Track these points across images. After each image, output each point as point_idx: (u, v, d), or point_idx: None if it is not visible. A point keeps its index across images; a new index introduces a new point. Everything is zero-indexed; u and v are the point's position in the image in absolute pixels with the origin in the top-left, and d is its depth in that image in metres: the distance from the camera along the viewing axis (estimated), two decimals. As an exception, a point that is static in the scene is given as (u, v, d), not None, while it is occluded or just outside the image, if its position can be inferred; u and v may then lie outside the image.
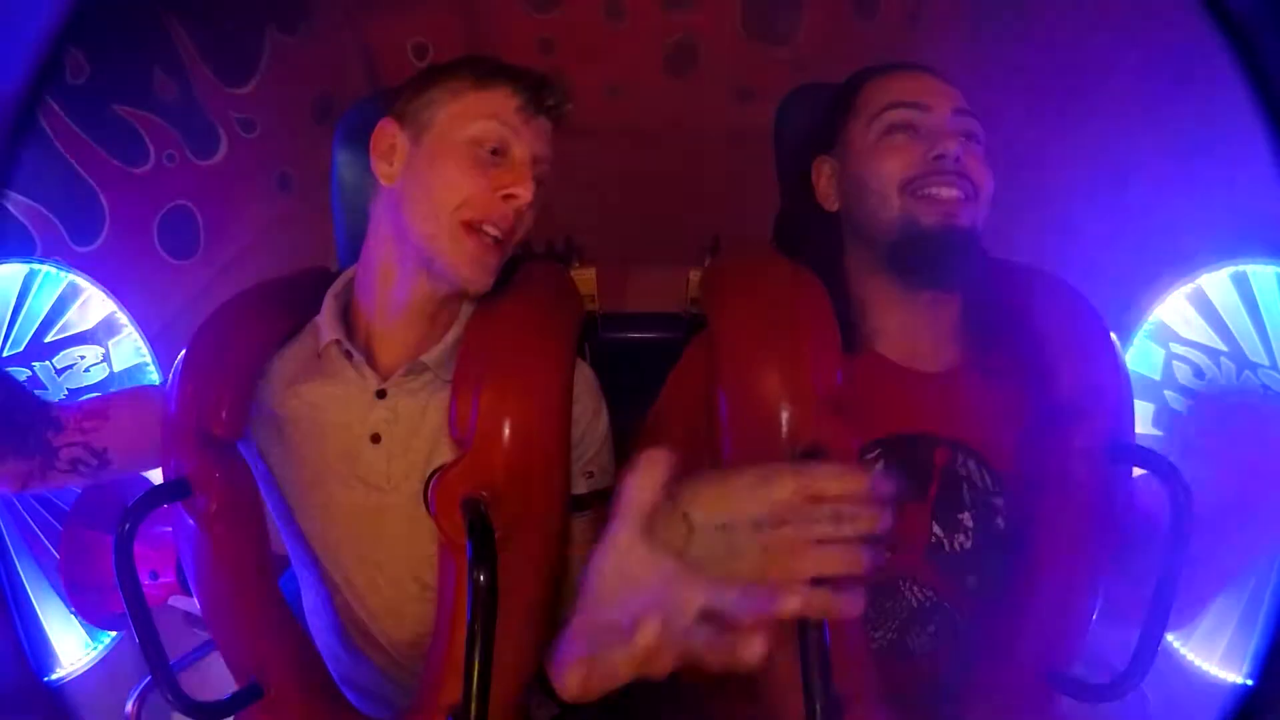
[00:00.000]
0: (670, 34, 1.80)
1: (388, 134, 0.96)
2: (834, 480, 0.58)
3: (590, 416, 0.97)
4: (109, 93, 1.47)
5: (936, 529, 0.93)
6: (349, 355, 0.96)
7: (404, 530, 0.94)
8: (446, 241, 0.92)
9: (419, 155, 0.95)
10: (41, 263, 1.39)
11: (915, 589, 0.93)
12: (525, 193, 0.92)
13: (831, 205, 1.03)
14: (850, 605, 0.56)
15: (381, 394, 0.95)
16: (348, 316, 1.00)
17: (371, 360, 0.97)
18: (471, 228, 0.92)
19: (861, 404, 0.91)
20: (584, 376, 0.99)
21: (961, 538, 0.94)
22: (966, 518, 0.94)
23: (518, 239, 0.97)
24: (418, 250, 0.94)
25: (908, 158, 0.94)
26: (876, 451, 0.94)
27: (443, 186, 0.93)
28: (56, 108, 1.38)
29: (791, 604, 0.55)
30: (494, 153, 0.93)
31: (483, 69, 0.96)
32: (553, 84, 0.98)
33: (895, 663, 0.93)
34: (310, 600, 1.03)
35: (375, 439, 0.95)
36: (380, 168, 0.96)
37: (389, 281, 0.96)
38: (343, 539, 0.97)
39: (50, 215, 1.40)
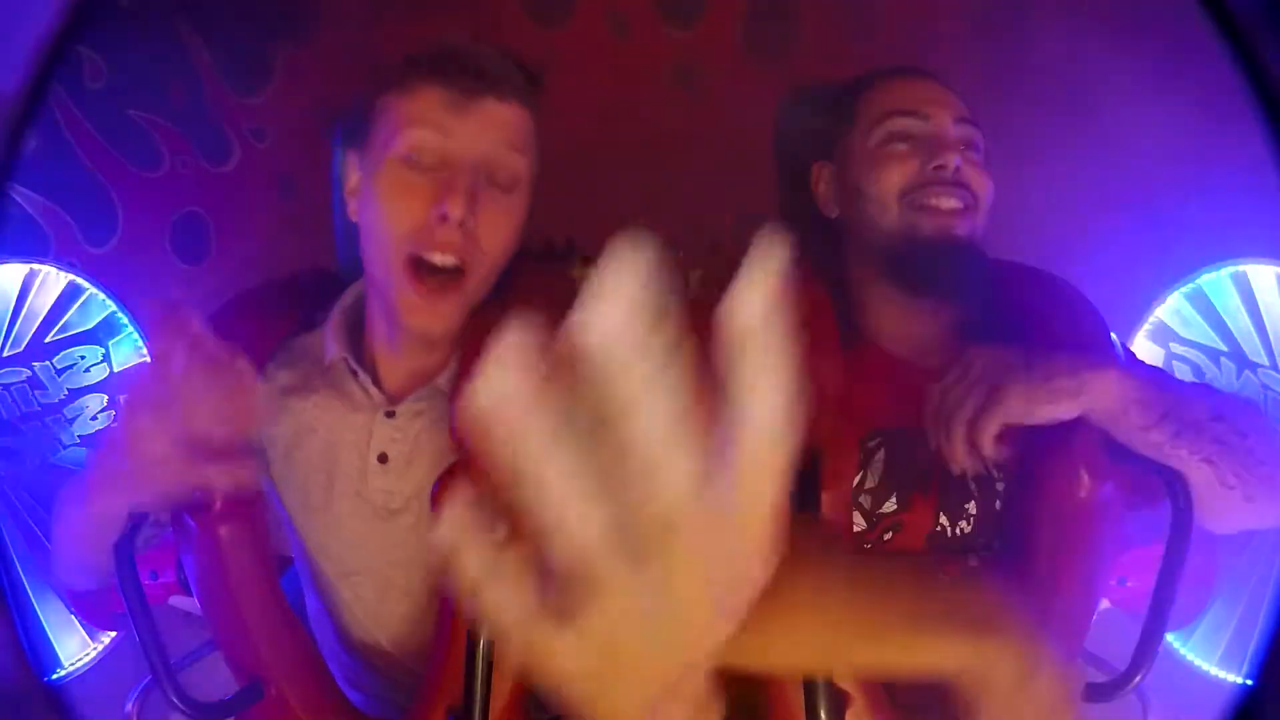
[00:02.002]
0: (673, 50, 1.82)
1: (351, 167, 0.89)
2: None
3: None
4: (125, 98, 1.49)
5: (943, 519, 0.94)
6: (354, 374, 0.93)
7: (417, 547, 0.92)
8: (393, 286, 0.82)
9: (364, 186, 0.86)
10: (43, 263, 1.39)
11: None
12: (456, 207, 0.78)
13: (831, 211, 1.03)
14: None
15: (390, 414, 0.93)
16: (355, 331, 0.97)
17: (378, 380, 0.94)
18: (416, 265, 0.81)
19: (862, 397, 0.92)
20: None
21: (964, 524, 0.94)
22: (971, 506, 0.94)
23: (493, 259, 0.84)
24: (381, 296, 0.87)
25: (907, 169, 0.94)
26: (878, 440, 0.94)
27: (380, 221, 0.82)
28: (75, 111, 1.39)
29: None
30: (422, 161, 0.81)
31: (413, 64, 0.84)
32: (490, 58, 0.83)
33: None
34: (314, 605, 1.03)
35: (383, 459, 0.93)
36: (349, 205, 0.90)
37: (376, 315, 0.93)
38: (352, 557, 0.96)
39: (66, 215, 1.41)
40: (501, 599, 0.30)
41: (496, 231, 0.83)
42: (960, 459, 0.84)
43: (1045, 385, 0.81)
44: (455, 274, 0.82)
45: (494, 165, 0.83)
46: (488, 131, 0.82)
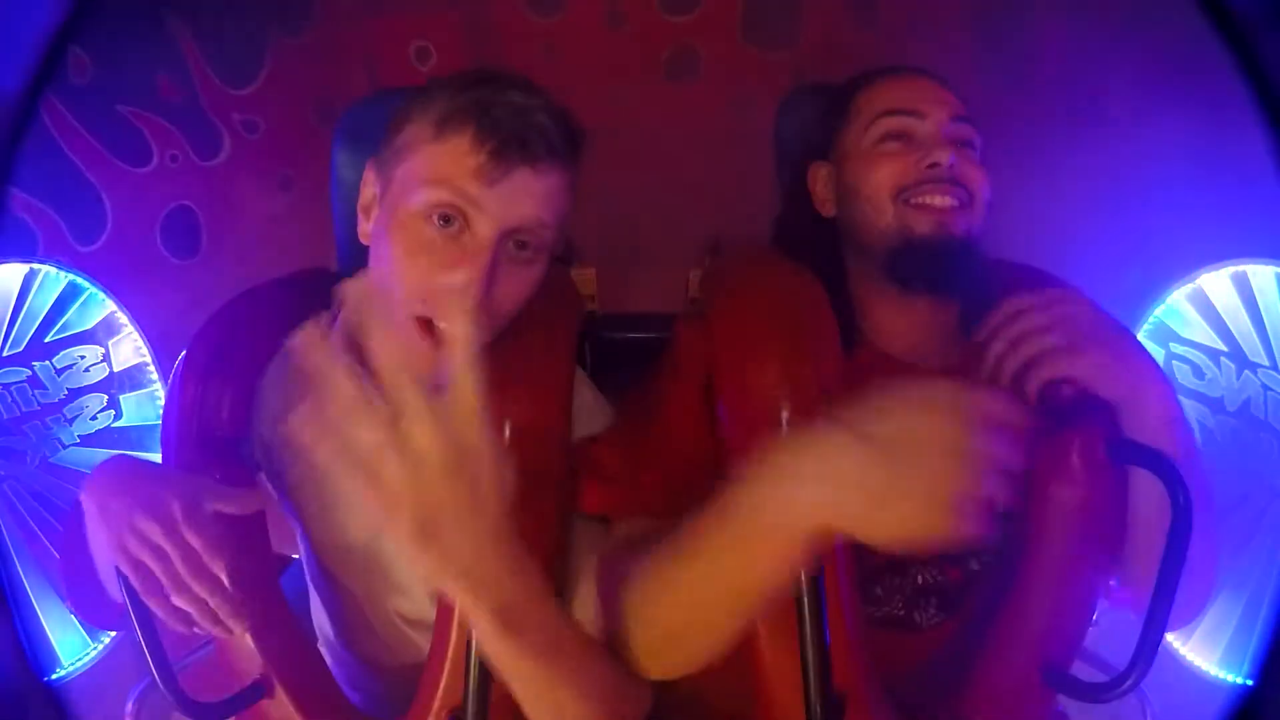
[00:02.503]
0: (671, 40, 1.81)
1: (368, 183, 0.86)
2: (998, 407, 0.59)
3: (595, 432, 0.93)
4: (113, 93, 1.48)
5: None
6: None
7: None
8: (400, 332, 0.79)
9: (379, 222, 0.82)
10: (42, 262, 1.39)
11: (921, 569, 0.94)
12: (474, 286, 0.75)
13: (828, 210, 1.03)
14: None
15: None
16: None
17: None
18: (424, 323, 0.78)
19: (862, 399, 0.91)
20: (589, 396, 0.94)
21: None
22: None
23: (504, 319, 0.81)
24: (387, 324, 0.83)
25: (900, 166, 0.94)
26: None
27: (390, 275, 0.79)
28: (61, 107, 1.39)
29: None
30: (446, 222, 0.76)
31: (452, 107, 0.77)
32: (532, 119, 0.76)
33: (901, 636, 0.94)
34: (317, 605, 1.03)
35: None
36: (361, 225, 0.86)
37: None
38: (356, 558, 0.96)
39: (53, 214, 1.41)
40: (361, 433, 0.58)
41: (511, 297, 0.80)
42: (999, 382, 0.87)
43: (1114, 367, 0.84)
44: None
45: (520, 236, 0.78)
46: (518, 205, 0.77)
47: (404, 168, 0.80)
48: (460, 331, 0.60)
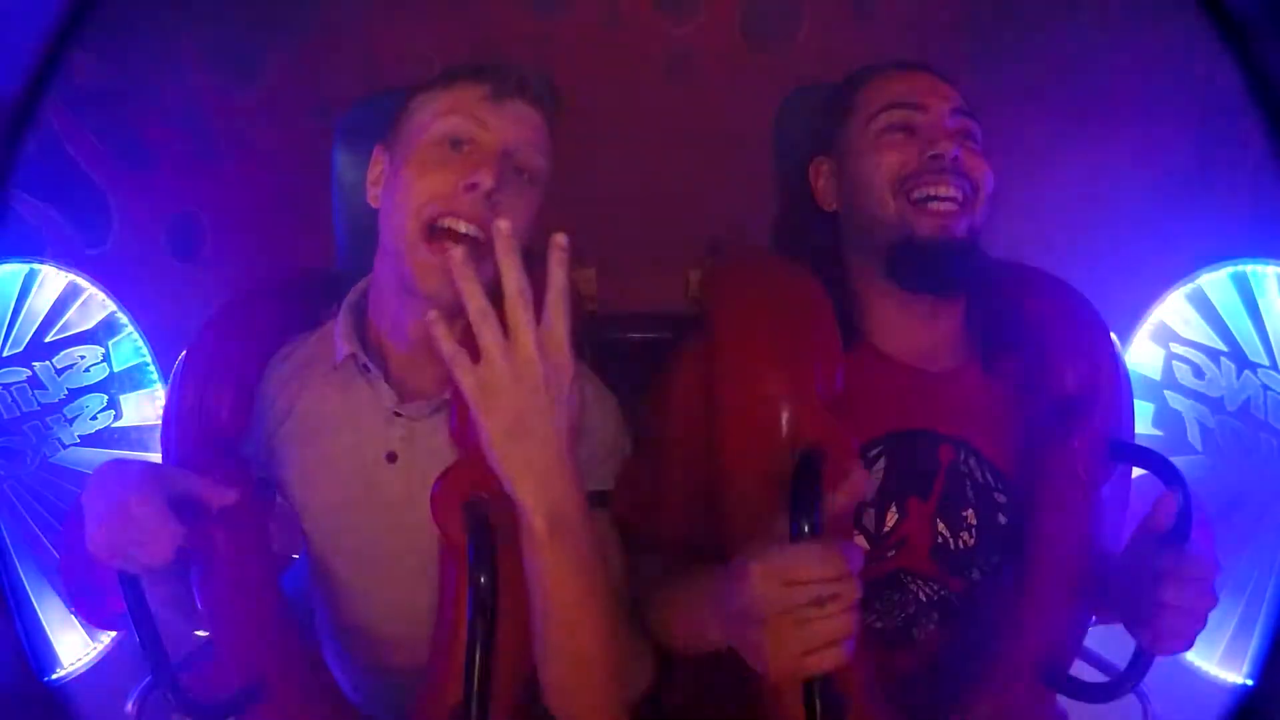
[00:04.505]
0: (670, 40, 1.81)
1: (376, 160, 0.95)
2: (812, 567, 0.66)
3: (599, 423, 0.94)
4: (118, 96, 1.48)
5: (941, 527, 0.93)
6: (366, 369, 0.94)
7: (423, 546, 0.91)
8: (409, 252, 0.86)
9: (391, 171, 0.92)
10: (45, 262, 1.39)
11: (921, 583, 0.93)
12: (486, 178, 0.84)
13: (829, 205, 1.03)
14: (845, 655, 0.65)
15: (398, 413, 0.93)
16: (362, 328, 0.98)
17: (387, 376, 0.94)
18: (435, 232, 0.86)
19: (863, 401, 0.91)
20: (590, 390, 0.94)
21: (966, 535, 0.94)
22: (970, 515, 0.94)
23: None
24: (396, 268, 0.89)
25: (903, 156, 0.93)
26: (879, 449, 0.94)
27: (405, 192, 0.88)
28: (67, 110, 1.39)
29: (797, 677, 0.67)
30: (456, 144, 0.88)
31: (455, 68, 0.93)
32: (519, 69, 0.91)
33: (900, 650, 0.94)
34: (320, 605, 1.03)
35: (391, 458, 0.93)
36: (370, 192, 0.95)
37: (390, 306, 0.94)
38: (359, 557, 0.96)
39: (59, 216, 1.41)
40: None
41: (517, 214, 0.86)
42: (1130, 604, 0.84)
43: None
44: (474, 244, 0.84)
45: (520, 157, 0.89)
46: (517, 127, 0.90)
47: (413, 120, 0.91)
48: (502, 227, 0.73)
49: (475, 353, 0.73)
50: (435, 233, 0.86)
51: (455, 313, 0.80)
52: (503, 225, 0.73)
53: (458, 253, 0.74)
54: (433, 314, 0.74)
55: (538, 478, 0.74)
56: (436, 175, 0.86)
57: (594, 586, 0.78)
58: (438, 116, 0.89)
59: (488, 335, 0.72)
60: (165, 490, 0.79)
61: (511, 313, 0.72)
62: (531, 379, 0.72)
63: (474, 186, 0.84)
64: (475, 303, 0.73)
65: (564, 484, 0.75)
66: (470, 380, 0.73)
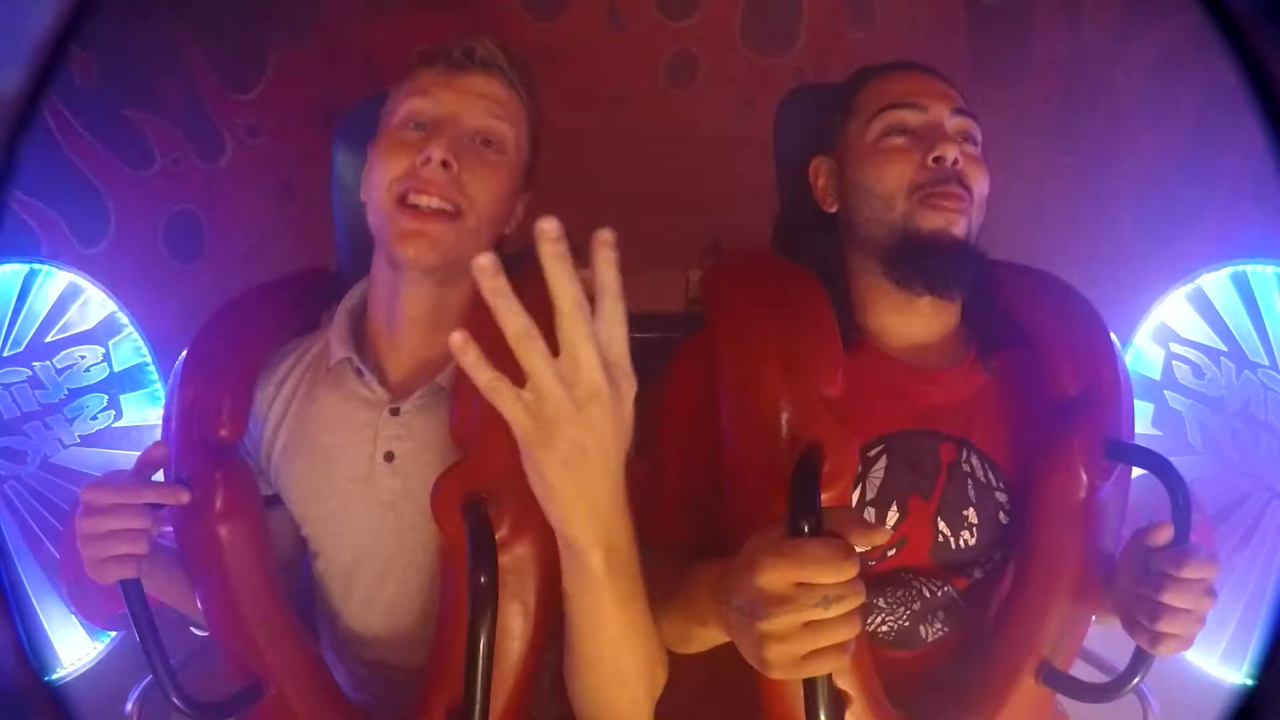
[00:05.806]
0: (670, 43, 1.81)
1: (368, 159, 0.97)
2: (823, 567, 0.64)
3: None
4: (117, 96, 1.48)
5: (943, 526, 0.93)
6: (360, 373, 0.95)
7: (422, 546, 0.92)
8: (387, 224, 0.90)
9: (369, 160, 0.96)
10: (42, 263, 1.39)
11: (925, 582, 0.93)
12: (437, 151, 0.87)
13: (830, 205, 1.03)
14: (848, 657, 0.64)
15: (395, 411, 0.94)
16: (358, 331, 0.99)
17: (383, 378, 0.96)
18: (404, 203, 0.89)
19: (864, 400, 0.92)
20: None
21: (967, 535, 0.94)
22: (971, 514, 0.94)
23: (483, 208, 0.91)
24: (380, 246, 0.94)
25: (907, 163, 0.94)
26: (880, 448, 0.94)
27: (376, 174, 0.92)
28: (64, 110, 1.39)
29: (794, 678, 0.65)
30: (418, 125, 0.92)
31: (422, 56, 0.96)
32: (479, 44, 0.95)
33: (905, 649, 0.94)
34: (320, 605, 1.03)
35: (389, 457, 0.93)
36: (363, 185, 0.97)
37: (383, 290, 0.96)
38: (358, 557, 0.96)
39: (57, 217, 1.41)
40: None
41: (483, 182, 0.91)
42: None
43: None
44: (441, 214, 0.89)
45: (478, 127, 0.92)
46: (472, 99, 0.92)
47: (385, 111, 0.96)
48: (547, 229, 0.60)
49: (515, 376, 0.60)
50: (405, 202, 0.89)
51: (445, 282, 0.87)
52: (547, 227, 0.60)
53: (488, 262, 0.57)
54: (458, 337, 0.59)
55: (597, 514, 0.66)
56: (399, 155, 0.90)
57: (642, 611, 0.75)
58: (400, 101, 0.94)
59: (537, 360, 0.58)
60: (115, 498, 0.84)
61: (572, 331, 0.59)
62: (598, 406, 0.60)
63: (428, 160, 0.88)
64: (515, 322, 0.58)
65: (621, 516, 0.68)
66: (519, 413, 0.60)
